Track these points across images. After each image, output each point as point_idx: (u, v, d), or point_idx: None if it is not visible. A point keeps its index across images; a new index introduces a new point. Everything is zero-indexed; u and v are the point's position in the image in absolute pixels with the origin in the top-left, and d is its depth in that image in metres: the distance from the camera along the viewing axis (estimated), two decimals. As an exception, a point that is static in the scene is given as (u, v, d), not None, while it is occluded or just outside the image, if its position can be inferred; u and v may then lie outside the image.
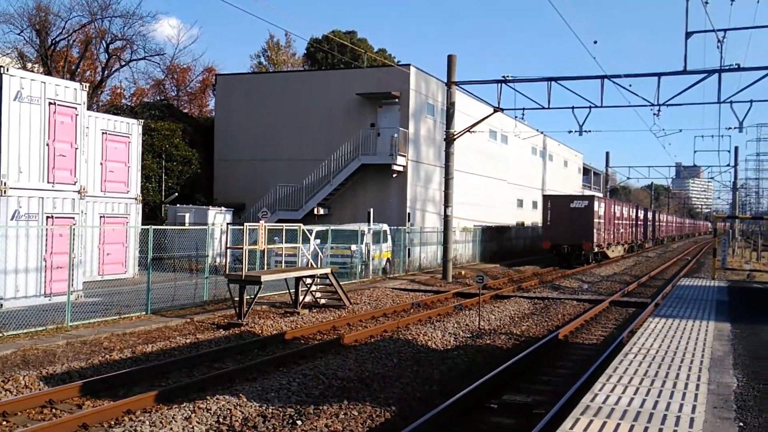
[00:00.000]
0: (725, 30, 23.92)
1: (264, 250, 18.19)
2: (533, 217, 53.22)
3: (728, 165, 63.16)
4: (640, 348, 8.82)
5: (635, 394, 6.55)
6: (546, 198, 40.03)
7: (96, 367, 11.17)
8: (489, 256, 39.48)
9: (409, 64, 32.57)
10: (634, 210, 53.10)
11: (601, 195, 54.09)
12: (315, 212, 31.85)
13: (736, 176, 66.07)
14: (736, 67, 23.70)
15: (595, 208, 37.69)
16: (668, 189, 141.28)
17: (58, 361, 11.47)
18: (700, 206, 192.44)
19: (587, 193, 64.89)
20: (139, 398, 9.19)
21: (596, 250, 38.37)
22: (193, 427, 8.26)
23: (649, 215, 62.13)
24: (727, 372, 7.62)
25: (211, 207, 30.09)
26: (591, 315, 18.63)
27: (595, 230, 37.24)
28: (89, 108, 23.64)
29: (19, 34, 35.81)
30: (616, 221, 44.24)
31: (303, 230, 19.71)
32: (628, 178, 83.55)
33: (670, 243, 77.77)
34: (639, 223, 54.26)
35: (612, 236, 42.55)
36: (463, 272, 30.29)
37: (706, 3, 22.58)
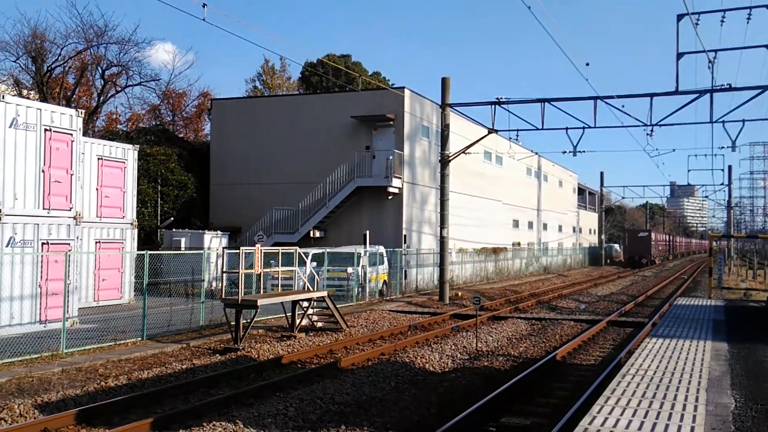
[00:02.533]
0: (716, 51, 24.20)
1: (260, 273, 18.15)
2: (529, 237, 53.24)
3: (722, 184, 63.71)
4: (638, 369, 8.81)
5: (633, 416, 6.53)
6: (624, 230, 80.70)
7: (91, 394, 11.09)
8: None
9: (403, 87, 32.78)
10: (666, 235, 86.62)
11: (654, 229, 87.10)
12: (311, 235, 31.82)
13: (730, 195, 66.38)
14: (728, 87, 23.90)
15: (651, 236, 69.18)
16: (663, 208, 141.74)
17: (54, 388, 11.38)
18: (695, 225, 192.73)
19: (582, 212, 74.94)
20: (134, 426, 9.11)
21: (652, 259, 68.52)
22: (189, 455, 8.19)
23: (672, 238, 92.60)
24: (725, 392, 7.61)
25: (206, 231, 30.06)
26: (589, 335, 18.60)
27: (651, 248, 67.88)
28: (85, 134, 23.66)
29: (14, 62, 35.96)
30: (659, 243, 75.34)
31: (299, 253, 19.70)
32: (623, 198, 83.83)
33: (678, 258, 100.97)
34: (667, 243, 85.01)
35: (657, 251, 73.03)
36: (460, 293, 30.25)
37: (697, 24, 22.84)
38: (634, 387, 7.74)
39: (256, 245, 19.07)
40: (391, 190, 31.62)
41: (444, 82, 28.02)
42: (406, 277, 30.89)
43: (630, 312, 25.53)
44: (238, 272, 16.29)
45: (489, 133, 27.94)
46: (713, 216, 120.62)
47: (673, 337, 11.62)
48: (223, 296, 16.50)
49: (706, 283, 31.13)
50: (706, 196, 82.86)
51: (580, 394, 11.35)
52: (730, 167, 67.21)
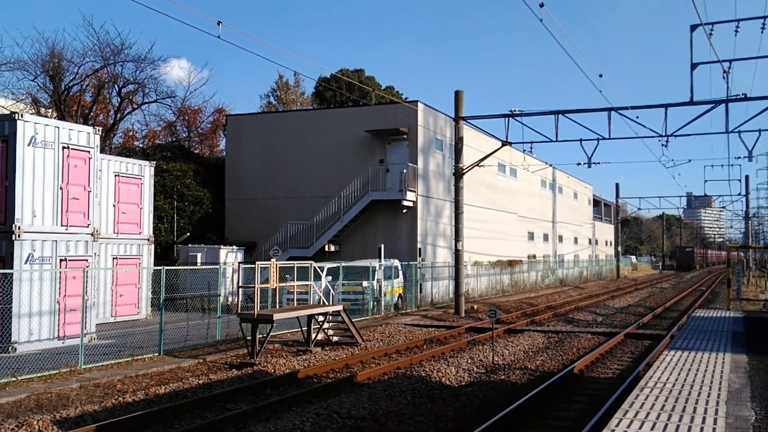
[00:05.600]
0: (730, 60, 24.05)
1: (276, 288, 18.21)
2: (544, 249, 52.98)
3: (739, 194, 62.98)
4: (657, 382, 8.73)
5: (652, 429, 6.47)
6: (675, 247, 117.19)
7: (109, 410, 11.16)
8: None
9: (416, 101, 32.89)
10: (702, 249, 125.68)
11: (695, 245, 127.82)
12: (326, 249, 31.89)
13: (747, 205, 65.70)
14: (743, 96, 23.72)
15: (693, 250, 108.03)
16: (680, 219, 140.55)
17: (72, 404, 11.46)
18: (713, 236, 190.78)
19: (598, 224, 74.87)
20: (152, 441, 9.13)
21: (694, 265, 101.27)
22: (206, 470, 8.19)
23: (705, 251, 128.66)
24: (745, 405, 7.53)
25: (222, 246, 30.21)
26: (606, 348, 18.45)
27: (694, 259, 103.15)
28: (102, 151, 23.96)
29: (33, 80, 36.45)
30: (698, 255, 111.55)
31: (314, 267, 19.75)
32: (639, 209, 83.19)
33: (710, 265, 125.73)
34: (703, 254, 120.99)
35: (697, 260, 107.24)
36: (475, 306, 30.13)
37: (711, 34, 22.76)
38: (653, 400, 7.67)
39: (272, 260, 19.14)
40: (405, 203, 31.65)
41: (457, 95, 28.07)
42: (421, 291, 30.83)
43: (648, 324, 25.30)
44: (254, 287, 16.35)
45: (503, 145, 27.92)
46: (731, 227, 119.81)
47: (692, 350, 11.51)
48: (239, 311, 16.56)
49: (725, 294, 30.79)
50: (724, 207, 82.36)
51: (598, 407, 11.26)
52: (747, 177, 66.54)
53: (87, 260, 17.46)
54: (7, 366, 13.24)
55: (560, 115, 25.88)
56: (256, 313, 15.85)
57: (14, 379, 12.82)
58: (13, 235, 15.71)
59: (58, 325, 16.47)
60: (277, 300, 19.95)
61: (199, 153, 45.81)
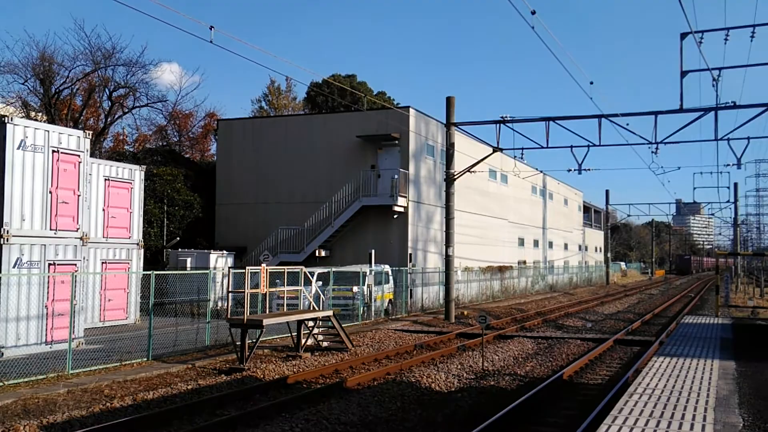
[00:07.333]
0: (720, 69, 24.19)
1: (266, 293, 18.16)
2: (535, 255, 53.10)
3: (728, 201, 63.37)
4: (645, 388, 8.76)
5: (641, 435, 6.49)
6: (675, 255, 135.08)
7: (97, 415, 11.08)
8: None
9: (408, 107, 32.93)
10: (697, 257, 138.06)
11: (692, 255, 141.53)
12: (317, 254, 31.84)
13: (736, 212, 66.15)
14: (732, 104, 23.88)
15: (690, 257, 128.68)
16: (669, 226, 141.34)
17: (59, 410, 11.37)
18: (701, 242, 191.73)
19: (588, 230, 75.12)
20: (140, 447, 9.07)
21: (691, 271, 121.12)
22: (194, 476, 8.15)
23: (701, 258, 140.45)
24: (733, 411, 7.57)
25: (212, 251, 30.11)
26: (595, 354, 18.50)
27: (691, 264, 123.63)
28: (92, 155, 23.85)
29: (23, 84, 36.27)
30: (694, 261, 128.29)
31: (305, 273, 19.70)
32: (629, 216, 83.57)
33: (704, 271, 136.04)
34: (698, 261, 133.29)
35: (693, 266, 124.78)
36: (465, 312, 30.15)
37: (700, 42, 22.92)
38: (642, 406, 7.70)
39: (262, 265, 19.09)
40: (396, 209, 31.66)
41: (449, 101, 28.13)
42: (411, 296, 30.81)
43: (637, 330, 25.39)
44: (244, 292, 16.30)
45: (494, 151, 27.98)
46: (719, 233, 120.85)
47: (681, 356, 11.56)
48: (229, 316, 16.48)
49: (713, 301, 30.95)
50: (712, 214, 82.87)
51: (587, 413, 11.28)
52: (735, 184, 67.00)
53: (76, 264, 17.36)
54: (-7, 371, 13.15)
55: (551, 122, 25.97)
56: (245, 318, 15.80)
57: (1, 384, 12.72)
58: (1, 239, 15.61)
59: (46, 329, 16.36)
60: (267, 305, 19.88)
61: (190, 157, 45.66)
